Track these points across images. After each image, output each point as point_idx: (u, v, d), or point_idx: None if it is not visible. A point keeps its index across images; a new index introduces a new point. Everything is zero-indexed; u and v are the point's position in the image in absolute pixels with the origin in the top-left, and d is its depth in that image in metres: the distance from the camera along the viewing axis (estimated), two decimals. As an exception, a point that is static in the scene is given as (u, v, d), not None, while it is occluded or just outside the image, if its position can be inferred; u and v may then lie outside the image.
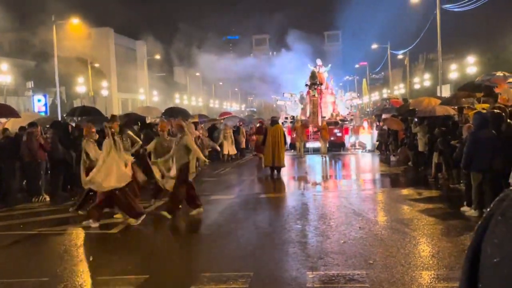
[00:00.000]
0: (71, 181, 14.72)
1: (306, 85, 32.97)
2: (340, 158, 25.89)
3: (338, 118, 32.12)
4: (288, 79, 45.54)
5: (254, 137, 28.40)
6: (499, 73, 16.84)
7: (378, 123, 28.29)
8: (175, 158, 11.01)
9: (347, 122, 31.53)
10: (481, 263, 0.87)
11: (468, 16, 45.70)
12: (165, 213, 10.76)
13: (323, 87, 33.56)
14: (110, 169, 9.90)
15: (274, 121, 19.61)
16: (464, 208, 10.36)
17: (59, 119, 28.10)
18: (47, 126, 16.91)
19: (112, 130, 10.37)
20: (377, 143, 27.10)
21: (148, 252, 8.27)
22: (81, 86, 49.69)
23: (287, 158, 25.77)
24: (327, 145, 27.14)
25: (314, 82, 32.09)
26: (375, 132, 28.19)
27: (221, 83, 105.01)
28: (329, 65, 37.93)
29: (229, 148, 25.32)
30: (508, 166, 8.43)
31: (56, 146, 14.30)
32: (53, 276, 7.05)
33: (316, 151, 27.88)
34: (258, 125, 28.42)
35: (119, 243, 8.99)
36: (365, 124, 30.93)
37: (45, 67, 45.81)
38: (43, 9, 41.90)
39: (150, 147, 12.09)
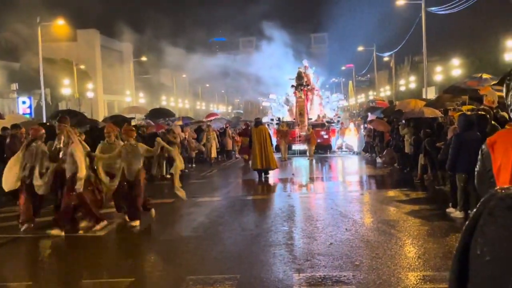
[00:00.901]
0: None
1: (292, 86, 32.54)
2: (326, 161, 25.94)
3: (324, 119, 31.86)
4: (273, 76, 45.07)
5: (237, 139, 27.84)
6: (476, 75, 17.08)
7: (365, 125, 28.15)
8: (66, 166, 9.81)
9: (333, 124, 31.27)
10: (470, 263, 0.87)
11: (452, 19, 46.10)
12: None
13: (309, 88, 33.19)
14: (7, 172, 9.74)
15: (258, 122, 19.17)
16: (450, 210, 10.43)
17: (44, 121, 27.85)
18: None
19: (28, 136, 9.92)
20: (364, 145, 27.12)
21: (134, 254, 8.21)
22: (66, 88, 49.25)
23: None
24: (314, 148, 26.77)
25: (301, 83, 31.64)
26: (362, 134, 28.08)
27: (207, 85, 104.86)
28: (313, 67, 37.52)
29: (212, 151, 24.67)
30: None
31: None
32: (38, 280, 6.97)
33: (302, 153, 27.69)
34: (243, 127, 28.16)
35: (104, 246, 8.91)
36: (352, 126, 30.65)
37: (30, 69, 45.40)
38: (28, 11, 41.54)
39: (96, 153, 10.42)
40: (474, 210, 0.93)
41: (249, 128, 24.97)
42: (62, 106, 51.16)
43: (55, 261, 8.14)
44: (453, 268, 0.91)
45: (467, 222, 0.92)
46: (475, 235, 0.88)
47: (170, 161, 18.89)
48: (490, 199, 0.91)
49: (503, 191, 0.91)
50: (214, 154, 24.83)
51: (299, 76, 32.14)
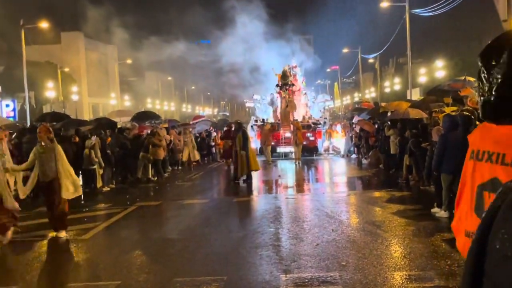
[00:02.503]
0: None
1: (277, 85, 31.24)
2: (312, 163, 25.55)
3: (310, 121, 30.68)
4: (258, 78, 44.22)
5: (220, 142, 26.24)
6: (460, 78, 17.34)
7: (353, 126, 27.33)
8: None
9: (320, 126, 30.18)
10: (488, 257, 0.85)
11: (436, 21, 46.54)
12: None
13: (295, 88, 31.83)
14: None
15: (242, 124, 18.74)
16: (435, 210, 10.52)
17: (28, 124, 27.61)
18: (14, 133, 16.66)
19: None
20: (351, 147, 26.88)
21: (119, 258, 8.16)
22: (50, 91, 48.82)
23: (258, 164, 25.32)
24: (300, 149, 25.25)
25: (286, 82, 30.32)
26: (349, 136, 27.46)
27: (193, 87, 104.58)
28: (298, 67, 36.28)
29: (191, 154, 23.54)
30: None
31: None
32: (23, 284, 6.91)
33: (287, 156, 26.89)
34: (225, 129, 26.93)
35: (89, 249, 8.85)
36: (339, 127, 29.63)
37: (14, 71, 44.97)
38: (11, 13, 41.20)
39: (30, 160, 9.74)
40: (491, 203, 0.91)
41: (232, 130, 23.95)
42: (47, 109, 50.71)
43: (40, 264, 8.06)
44: (469, 262, 0.90)
45: (484, 215, 0.90)
46: (493, 229, 0.86)
47: (155, 164, 18.89)
48: (507, 192, 0.89)
49: None
50: (193, 157, 23.72)
51: (284, 75, 30.76)
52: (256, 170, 17.84)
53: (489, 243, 0.86)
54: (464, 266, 0.92)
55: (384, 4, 37.52)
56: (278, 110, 31.35)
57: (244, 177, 17.45)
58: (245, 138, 17.60)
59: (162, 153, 18.85)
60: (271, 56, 41.84)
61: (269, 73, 36.78)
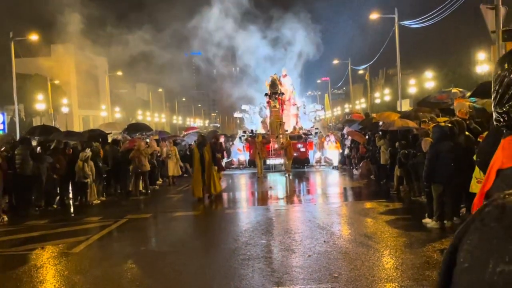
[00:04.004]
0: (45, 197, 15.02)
1: (266, 94, 30.12)
2: (303, 175, 25.19)
3: (301, 131, 29.81)
4: (250, 89, 43.68)
5: None
6: (446, 90, 17.62)
7: (346, 137, 26.78)
8: None
9: (311, 136, 29.18)
10: (455, 268, 0.85)
11: (425, 33, 46.96)
12: None
13: (285, 97, 30.75)
14: None
15: (205, 138, 17.79)
16: (426, 220, 10.53)
17: (18, 137, 27.44)
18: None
19: None
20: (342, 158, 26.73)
21: (110, 271, 8.10)
22: (40, 104, 48.60)
23: (247, 176, 25.19)
24: (291, 162, 24.64)
25: (275, 91, 29.09)
26: (344, 147, 26.97)
27: (184, 99, 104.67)
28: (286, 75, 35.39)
29: (174, 169, 22.26)
30: (468, 177, 8.64)
31: (27, 161, 14.03)
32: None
33: (277, 168, 26.38)
34: (213, 141, 25.86)
35: (80, 263, 8.77)
36: (332, 138, 28.32)
37: (3, 84, 44.81)
38: (1, 25, 41.10)
39: None
40: (469, 217, 0.89)
41: (218, 142, 22.46)
42: (36, 121, 50.55)
43: (29, 279, 7.97)
44: (441, 272, 0.89)
45: (460, 226, 0.90)
46: (462, 240, 0.86)
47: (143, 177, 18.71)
48: (487, 204, 0.87)
49: (506, 196, 0.86)
50: (176, 171, 22.38)
51: (273, 84, 29.47)
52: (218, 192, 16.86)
53: (457, 254, 0.86)
54: (437, 276, 0.91)
55: (374, 16, 37.82)
56: (268, 121, 30.36)
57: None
58: (214, 153, 16.93)
59: (147, 166, 18.51)
60: (262, 58, 41.36)
61: (260, 81, 36.19)
